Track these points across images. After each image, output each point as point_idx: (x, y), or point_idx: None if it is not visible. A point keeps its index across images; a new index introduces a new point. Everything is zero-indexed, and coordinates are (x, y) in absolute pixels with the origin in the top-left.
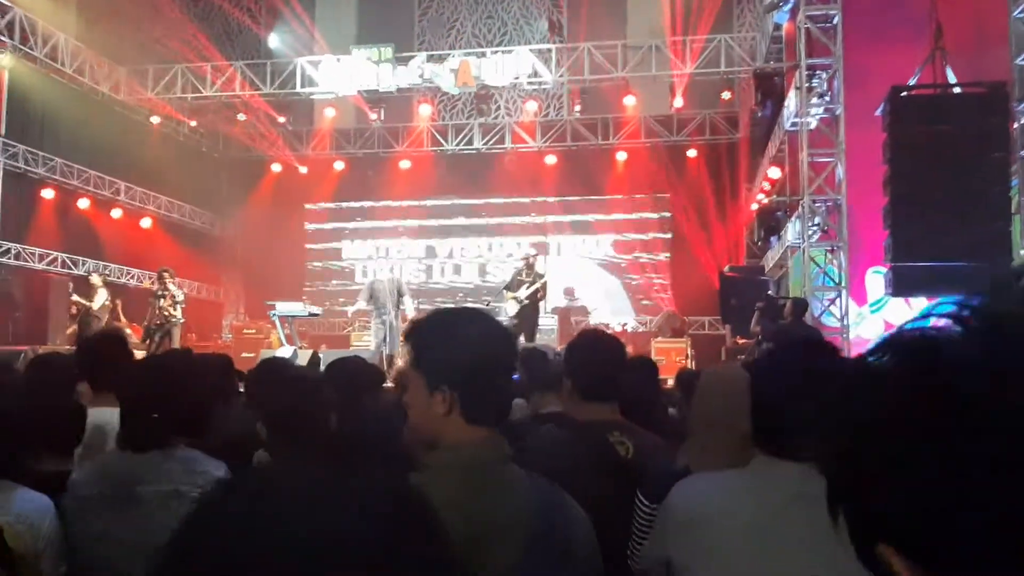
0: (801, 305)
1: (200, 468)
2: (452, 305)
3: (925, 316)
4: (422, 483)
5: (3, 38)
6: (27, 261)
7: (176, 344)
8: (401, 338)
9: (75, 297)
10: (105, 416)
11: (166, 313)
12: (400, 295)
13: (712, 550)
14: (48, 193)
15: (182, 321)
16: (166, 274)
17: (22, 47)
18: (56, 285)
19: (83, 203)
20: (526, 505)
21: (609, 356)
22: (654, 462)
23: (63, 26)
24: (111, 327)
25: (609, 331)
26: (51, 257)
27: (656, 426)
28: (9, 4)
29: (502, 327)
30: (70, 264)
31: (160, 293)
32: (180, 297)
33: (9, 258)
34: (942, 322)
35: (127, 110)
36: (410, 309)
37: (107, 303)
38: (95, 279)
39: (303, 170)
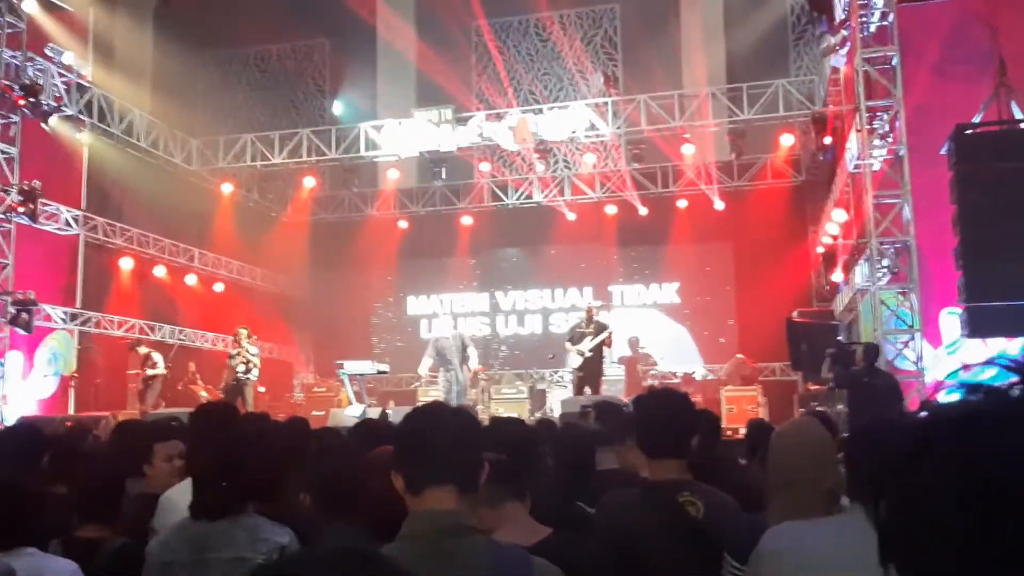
0: (872, 350)
1: (264, 535)
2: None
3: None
4: (390, 550)
5: (83, 117)
6: (107, 328)
7: (250, 403)
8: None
9: (149, 371)
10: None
11: (239, 371)
12: (464, 348)
13: None
14: (126, 263)
15: (254, 379)
16: (243, 332)
17: (100, 124)
18: (133, 351)
19: (159, 271)
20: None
21: (676, 413)
22: (731, 521)
23: (138, 103)
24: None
25: (677, 379)
26: (129, 324)
27: (724, 480)
28: (88, 84)
29: (443, 411)
30: (147, 330)
31: (236, 352)
32: (255, 353)
33: (91, 326)
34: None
35: (199, 180)
36: (475, 362)
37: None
38: (143, 348)
39: (368, 231)
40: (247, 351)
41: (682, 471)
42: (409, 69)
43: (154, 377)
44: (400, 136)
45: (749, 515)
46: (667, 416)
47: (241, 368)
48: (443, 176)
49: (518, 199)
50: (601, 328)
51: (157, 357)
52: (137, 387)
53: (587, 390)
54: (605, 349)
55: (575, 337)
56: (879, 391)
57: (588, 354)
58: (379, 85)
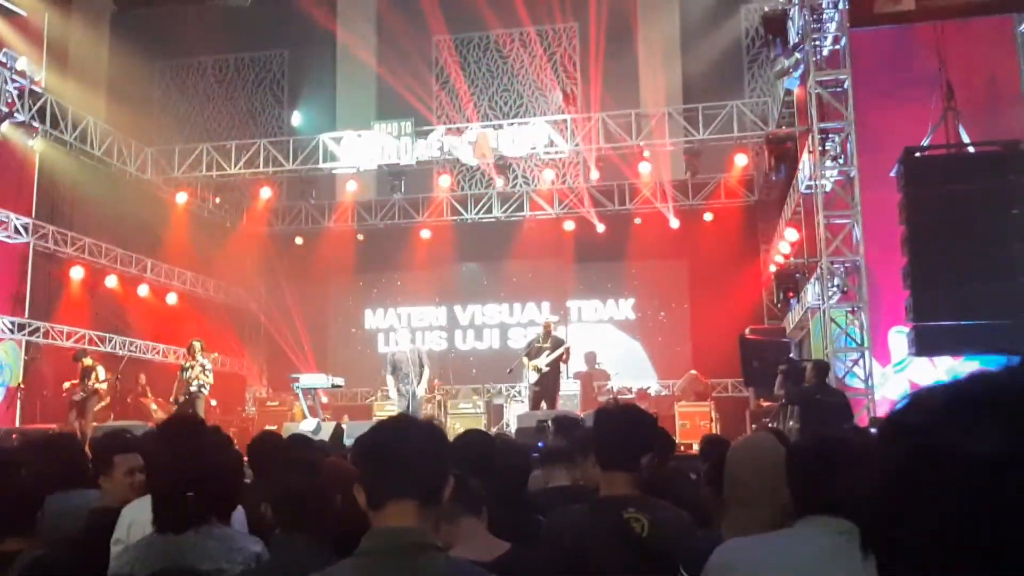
0: (822, 368)
1: (237, 545)
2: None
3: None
4: (346, 565)
5: (35, 123)
6: (56, 339)
7: (201, 414)
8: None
9: (95, 385)
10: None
11: (191, 385)
12: (422, 366)
13: None
14: (77, 272)
15: (207, 393)
16: (197, 345)
17: (53, 131)
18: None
19: (110, 281)
20: None
21: (634, 427)
22: (683, 537)
23: (93, 110)
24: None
25: (631, 395)
26: (78, 335)
27: (677, 495)
28: (40, 91)
29: (408, 424)
30: (97, 341)
31: (188, 364)
32: (208, 367)
33: (38, 336)
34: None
35: (154, 189)
36: (424, 384)
37: (106, 379)
38: (88, 360)
39: (325, 243)
40: (201, 364)
41: (631, 486)
42: (369, 81)
43: (96, 392)
44: (359, 148)
45: (704, 530)
46: (625, 430)
47: (195, 382)
48: (402, 189)
49: (477, 214)
50: (558, 343)
51: (101, 372)
52: (71, 398)
53: (543, 405)
54: (562, 364)
55: (532, 352)
56: (830, 408)
57: (545, 369)
58: (339, 97)
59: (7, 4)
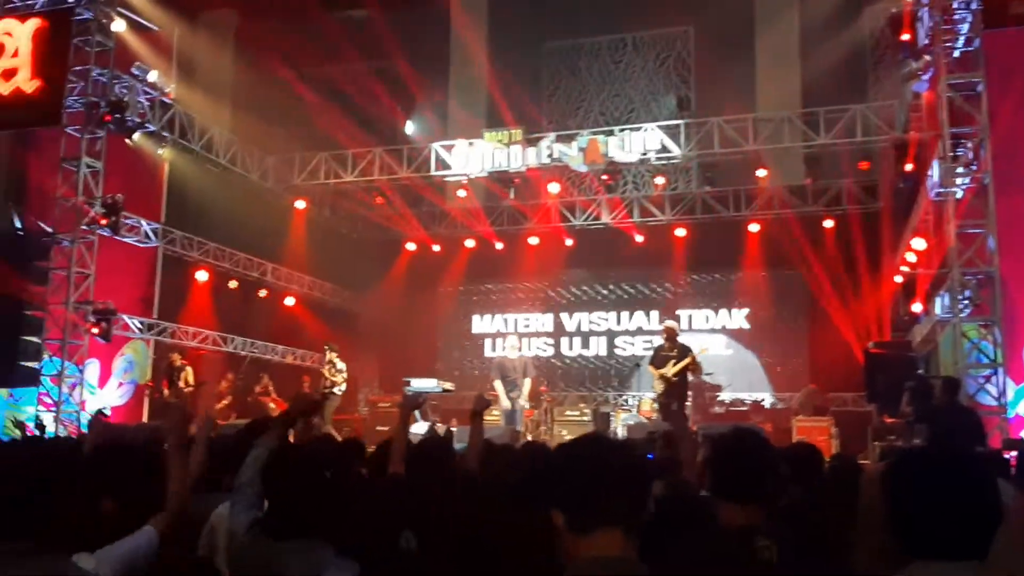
0: (954, 385)
1: (323, 571)
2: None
3: None
4: None
5: (165, 133)
6: (182, 339)
7: (328, 418)
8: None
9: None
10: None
11: (328, 386)
12: (525, 374)
13: None
14: (202, 275)
15: (339, 395)
16: (335, 349)
17: (181, 140)
18: (206, 362)
19: (233, 284)
20: None
21: (754, 457)
22: (819, 566)
23: (218, 120)
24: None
25: (745, 407)
26: (203, 335)
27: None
28: (171, 102)
29: (607, 445)
30: (220, 342)
31: (338, 367)
32: (342, 370)
33: (166, 336)
34: None
35: (274, 196)
36: (525, 392)
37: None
38: (179, 360)
39: (436, 249)
40: (336, 367)
41: (757, 515)
42: (481, 90)
43: (184, 395)
44: (470, 156)
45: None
46: (751, 463)
47: (333, 379)
48: (511, 196)
49: (586, 220)
50: (685, 351)
51: (191, 373)
52: (163, 399)
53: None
54: (689, 374)
55: (658, 360)
56: (961, 427)
57: (673, 379)
58: (451, 105)
59: (141, 20)
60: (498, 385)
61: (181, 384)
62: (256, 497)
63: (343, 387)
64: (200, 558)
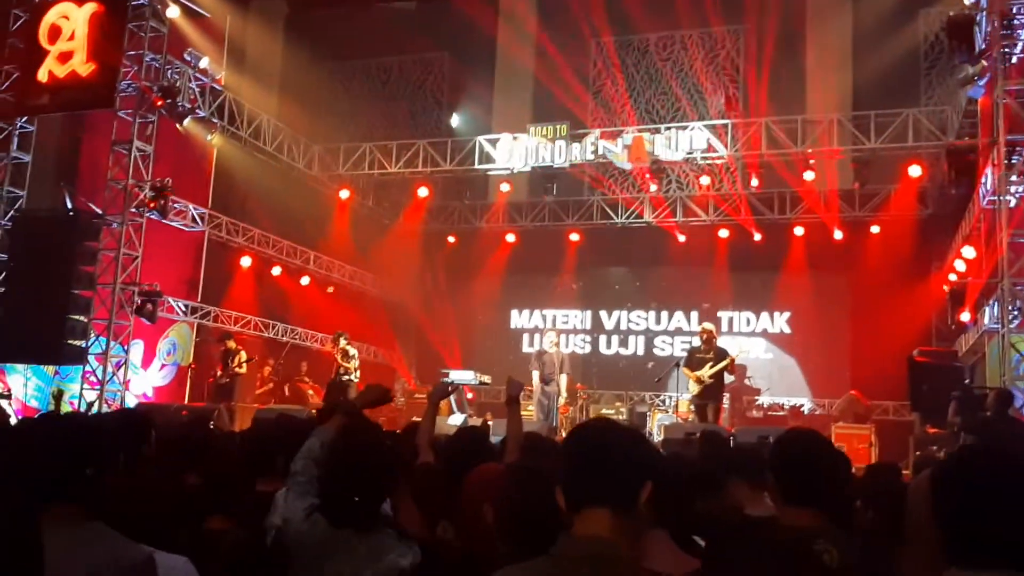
0: (1006, 397)
1: (386, 557)
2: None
3: None
4: (535, 565)
5: (214, 119)
6: (224, 323)
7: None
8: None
9: (237, 370)
10: None
11: (344, 373)
12: (561, 371)
13: None
14: (246, 261)
15: (357, 380)
16: (346, 335)
17: (230, 127)
18: (247, 347)
19: (276, 270)
20: None
21: (818, 459)
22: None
23: (266, 108)
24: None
25: (784, 412)
26: (245, 320)
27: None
28: (220, 89)
29: (609, 428)
30: (262, 327)
31: (350, 354)
32: (354, 355)
33: (209, 320)
34: None
35: (319, 185)
36: (563, 388)
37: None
38: (232, 343)
39: (476, 243)
40: (349, 354)
41: (818, 518)
42: (526, 84)
43: (238, 375)
44: (514, 150)
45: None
46: (815, 463)
47: (345, 365)
48: (554, 192)
49: (628, 218)
50: (722, 354)
51: (243, 355)
52: (217, 383)
53: (709, 418)
54: (726, 376)
55: (693, 363)
56: (1012, 438)
57: (709, 381)
58: (496, 99)
59: (194, 6)
60: (535, 375)
61: (235, 366)
62: (309, 484)
63: (356, 375)
64: None
